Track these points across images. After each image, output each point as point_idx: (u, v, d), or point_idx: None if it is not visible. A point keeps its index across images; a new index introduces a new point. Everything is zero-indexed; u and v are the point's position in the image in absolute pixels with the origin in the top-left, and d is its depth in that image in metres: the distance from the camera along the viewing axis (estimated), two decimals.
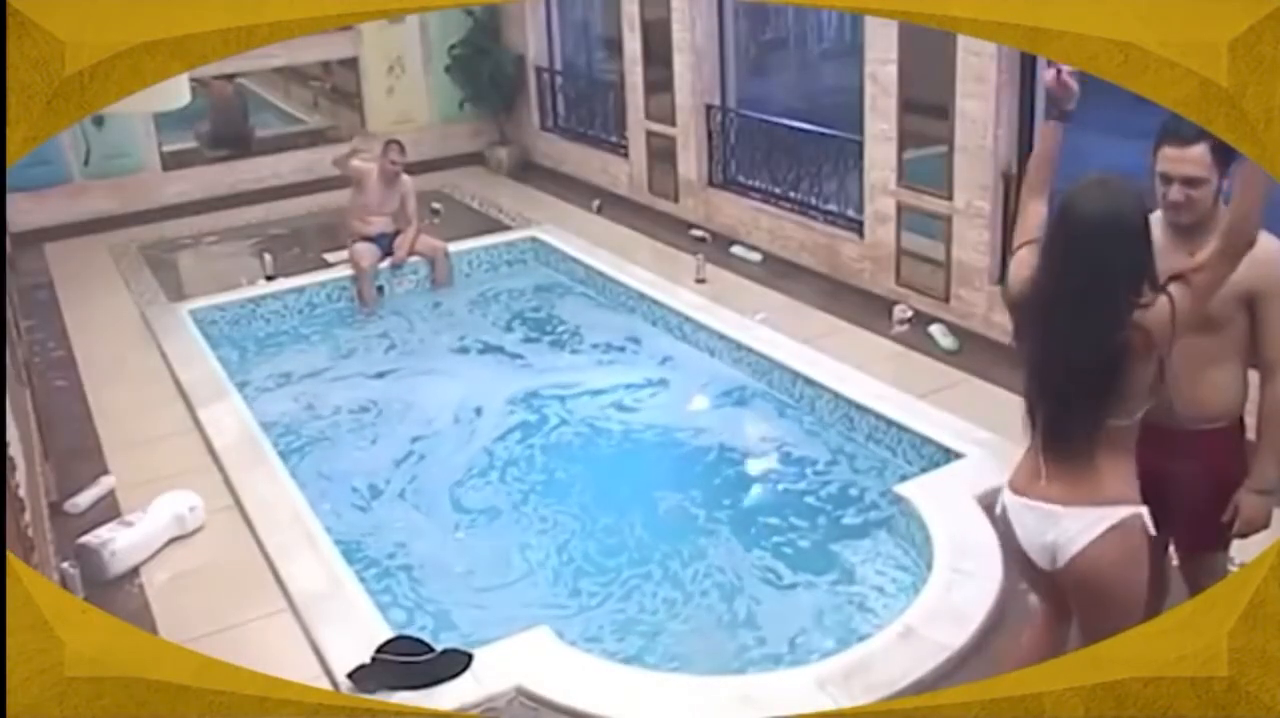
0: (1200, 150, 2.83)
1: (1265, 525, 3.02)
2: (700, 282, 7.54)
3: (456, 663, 3.81)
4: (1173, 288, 2.64)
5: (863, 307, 6.97)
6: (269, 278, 8.05)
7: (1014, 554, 3.00)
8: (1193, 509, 3.06)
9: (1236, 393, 3.06)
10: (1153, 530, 2.78)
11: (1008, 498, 2.92)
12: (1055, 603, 3.10)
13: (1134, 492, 2.77)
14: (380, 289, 7.99)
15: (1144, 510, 2.76)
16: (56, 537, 4.75)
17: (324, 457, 5.88)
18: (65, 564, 4.42)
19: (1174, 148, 2.87)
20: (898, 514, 4.78)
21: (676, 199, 8.94)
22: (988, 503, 4.55)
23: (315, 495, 5.23)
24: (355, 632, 4.04)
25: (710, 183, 8.66)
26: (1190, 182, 2.87)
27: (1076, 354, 2.66)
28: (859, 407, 5.65)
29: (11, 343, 5.25)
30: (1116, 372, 2.65)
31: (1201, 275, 2.65)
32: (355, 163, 8.13)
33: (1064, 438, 2.75)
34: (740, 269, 7.84)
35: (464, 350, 7.30)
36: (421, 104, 10.95)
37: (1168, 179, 2.91)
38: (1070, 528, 2.75)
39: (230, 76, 10.76)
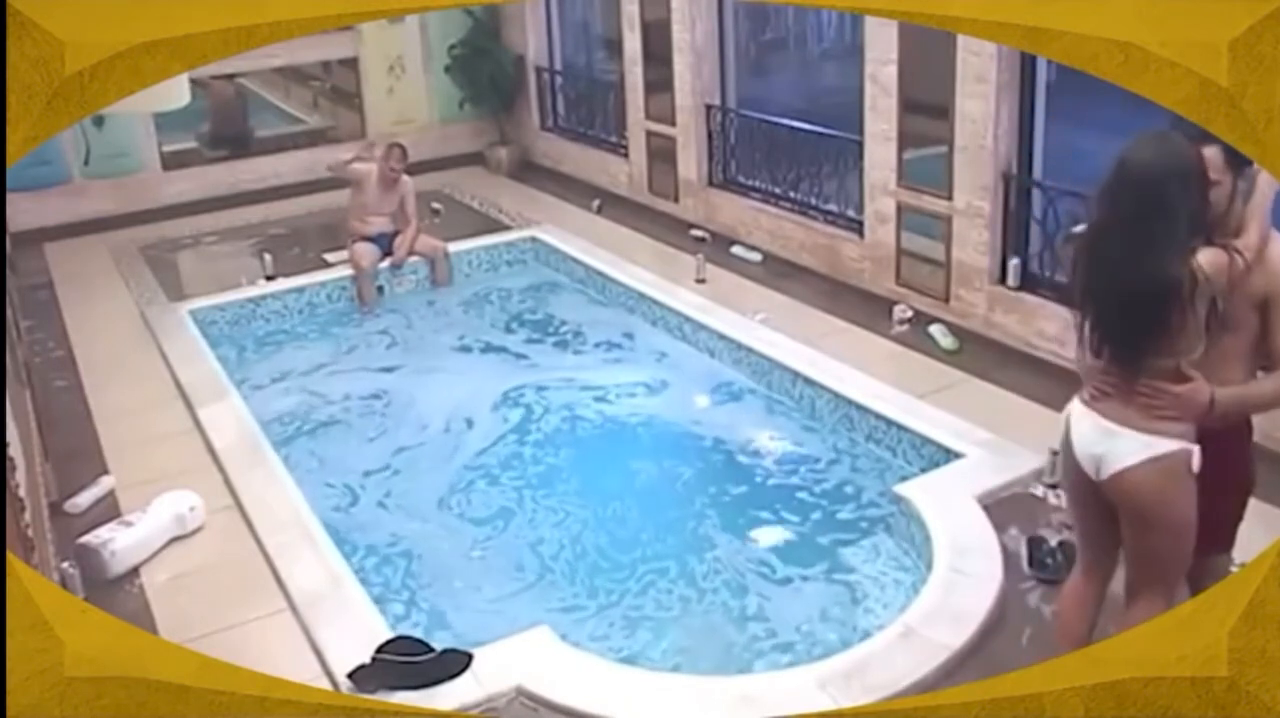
0: (1213, 151, 2.85)
1: (1192, 416, 2.91)
2: (700, 282, 7.54)
3: (456, 663, 3.81)
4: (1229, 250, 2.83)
5: (863, 307, 6.97)
6: (269, 278, 8.04)
7: (1068, 468, 3.14)
8: (1198, 509, 3.05)
9: None
10: (1197, 467, 2.89)
11: (1074, 405, 3.09)
12: (1095, 539, 3.21)
13: (1188, 429, 2.90)
14: (380, 289, 7.99)
15: (1195, 449, 2.89)
16: (56, 537, 4.75)
17: (324, 455, 5.88)
18: (65, 564, 4.42)
19: None
20: (897, 514, 4.78)
21: (676, 199, 8.94)
22: (987, 503, 4.58)
23: (315, 495, 5.23)
24: (355, 632, 4.04)
25: (710, 183, 8.66)
26: None
27: (1134, 286, 2.83)
28: (859, 407, 5.64)
29: (11, 343, 5.25)
30: (1170, 306, 2.79)
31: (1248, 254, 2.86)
32: (355, 165, 8.12)
33: (1125, 364, 2.90)
34: (740, 269, 7.84)
35: (464, 350, 7.29)
36: (421, 104, 10.95)
37: None
38: (1119, 447, 2.93)
39: (230, 76, 10.75)
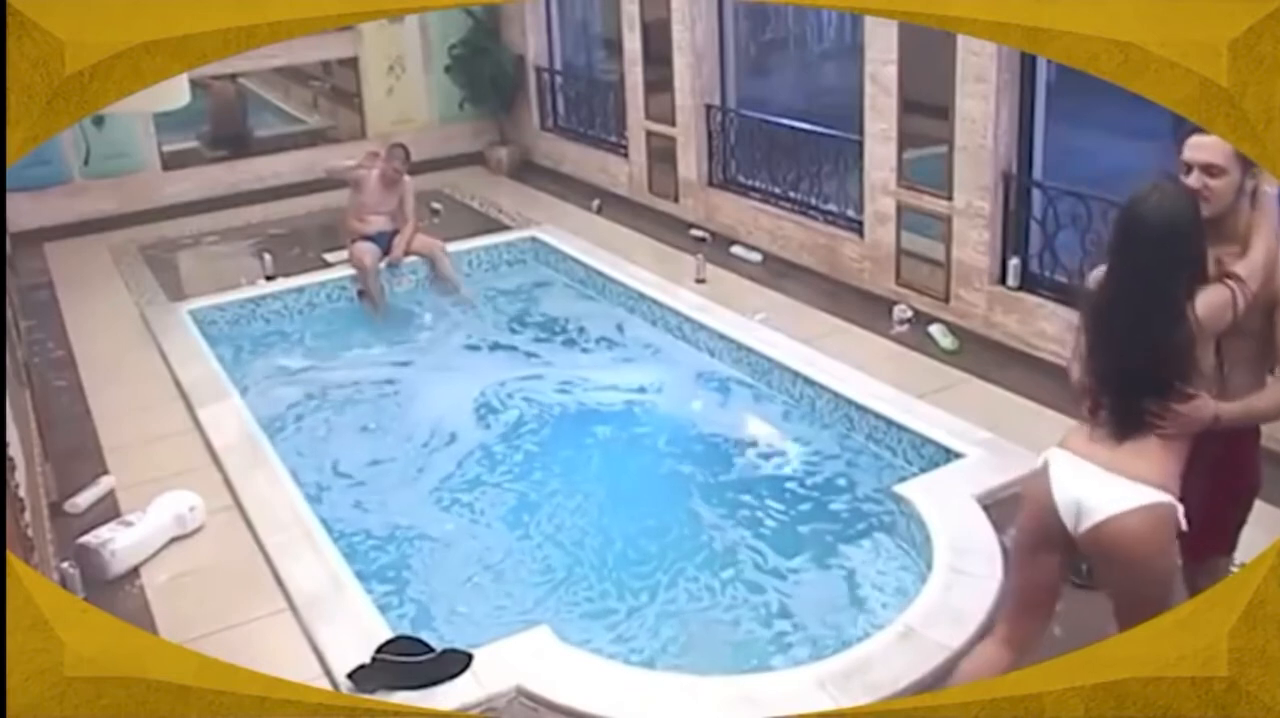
0: (1220, 139, 2.79)
1: (1190, 426, 2.93)
2: (700, 282, 7.54)
3: (456, 663, 3.81)
4: (1230, 282, 2.82)
5: (863, 307, 6.97)
6: (269, 278, 8.04)
7: (1036, 515, 3.03)
8: (1204, 512, 3.04)
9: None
10: (1184, 526, 2.84)
11: (1054, 452, 3.01)
12: (1028, 603, 3.13)
13: (1175, 484, 2.86)
14: (380, 288, 7.99)
15: (1180, 507, 2.84)
16: (56, 537, 4.75)
17: (326, 453, 5.88)
18: (65, 564, 4.42)
19: (1198, 134, 2.86)
20: (897, 514, 4.78)
21: (676, 199, 8.94)
22: (987, 503, 4.58)
23: (313, 494, 5.25)
24: (355, 632, 4.04)
25: (710, 183, 8.66)
26: (1209, 169, 2.87)
27: (1145, 346, 2.83)
28: (859, 407, 5.64)
29: (11, 343, 5.25)
30: (1182, 359, 2.80)
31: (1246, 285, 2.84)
32: (357, 171, 8.10)
33: (1128, 418, 2.88)
34: (740, 269, 7.84)
35: (464, 349, 7.29)
36: (421, 104, 10.95)
37: (1189, 167, 2.92)
38: (1103, 494, 2.85)
39: (230, 76, 10.76)
